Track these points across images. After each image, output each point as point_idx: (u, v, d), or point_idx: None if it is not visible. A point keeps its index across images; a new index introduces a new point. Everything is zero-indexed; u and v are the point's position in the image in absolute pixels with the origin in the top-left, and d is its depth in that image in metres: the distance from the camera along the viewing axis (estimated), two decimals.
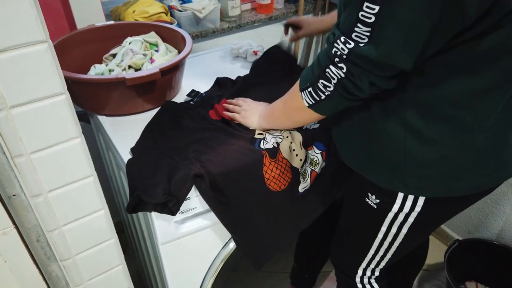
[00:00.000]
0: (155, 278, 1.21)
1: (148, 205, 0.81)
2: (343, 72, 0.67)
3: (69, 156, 0.64)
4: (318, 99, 0.75)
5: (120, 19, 1.42)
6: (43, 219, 0.66)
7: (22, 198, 0.61)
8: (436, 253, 1.66)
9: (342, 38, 0.65)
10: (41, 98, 0.58)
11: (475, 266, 1.55)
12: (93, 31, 1.18)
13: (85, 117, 1.22)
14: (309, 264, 1.47)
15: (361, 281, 1.05)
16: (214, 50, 1.45)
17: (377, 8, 0.59)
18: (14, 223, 0.64)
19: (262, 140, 0.94)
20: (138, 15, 1.39)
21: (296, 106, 0.81)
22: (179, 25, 1.56)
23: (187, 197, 0.84)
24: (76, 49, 1.14)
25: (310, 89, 0.75)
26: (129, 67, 1.11)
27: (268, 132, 0.97)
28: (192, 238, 0.96)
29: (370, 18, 0.60)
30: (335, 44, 0.66)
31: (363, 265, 1.01)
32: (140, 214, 1.02)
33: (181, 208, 0.85)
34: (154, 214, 0.87)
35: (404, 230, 0.87)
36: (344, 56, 0.65)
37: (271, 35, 1.93)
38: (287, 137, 0.95)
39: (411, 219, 0.84)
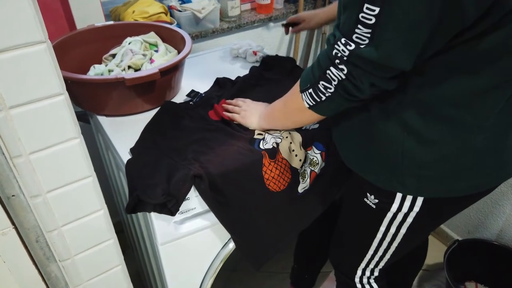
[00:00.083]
0: (155, 278, 1.21)
1: (147, 205, 0.81)
2: (344, 74, 0.67)
3: (68, 156, 0.64)
4: (318, 100, 0.74)
5: (120, 19, 1.42)
6: (42, 220, 0.66)
7: (21, 198, 0.61)
8: (435, 253, 1.66)
9: (343, 40, 0.65)
10: (40, 99, 0.58)
11: (474, 266, 1.55)
12: (93, 31, 1.18)
13: (84, 118, 1.22)
14: (308, 264, 1.47)
15: (361, 281, 1.05)
16: (214, 50, 1.45)
17: (377, 9, 0.59)
18: (13, 223, 0.64)
19: (262, 141, 0.94)
20: (138, 15, 1.39)
21: (296, 107, 0.81)
22: (178, 25, 1.56)
23: (186, 197, 0.84)
24: (75, 49, 1.14)
25: (310, 90, 0.75)
26: (129, 67, 1.11)
27: (268, 133, 0.97)
28: (192, 238, 0.96)
29: (370, 19, 0.60)
30: (336, 46, 0.66)
31: (362, 265, 1.01)
32: (140, 214, 1.02)
33: (181, 209, 0.85)
34: (153, 215, 0.87)
35: (403, 230, 0.87)
36: (345, 58, 0.65)
37: (271, 35, 1.93)
38: (287, 137, 0.95)
39: (409, 219, 0.84)
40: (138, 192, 0.80)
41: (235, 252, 1.04)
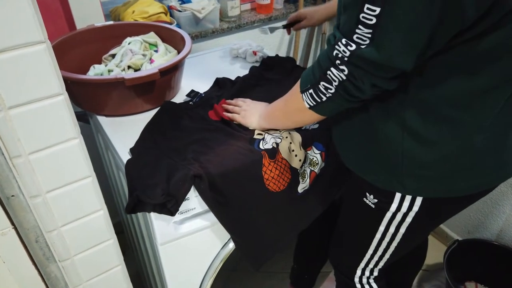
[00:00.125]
0: (155, 278, 1.21)
1: (147, 205, 0.81)
2: (345, 74, 0.67)
3: (67, 156, 0.64)
4: (319, 100, 0.74)
5: (120, 19, 1.42)
6: (41, 220, 0.66)
7: (21, 198, 0.61)
8: (435, 253, 1.66)
9: (343, 40, 0.64)
10: (40, 99, 0.58)
11: (474, 266, 1.55)
12: (93, 31, 1.18)
13: (84, 118, 1.22)
14: (308, 265, 1.47)
15: (360, 281, 1.05)
16: (214, 50, 1.45)
17: (378, 9, 0.58)
18: (12, 223, 0.64)
19: (261, 141, 0.94)
20: (138, 15, 1.38)
21: (296, 107, 0.81)
22: (178, 25, 1.55)
23: (186, 197, 0.84)
24: (75, 49, 1.14)
25: (311, 90, 0.75)
26: (129, 67, 1.11)
27: (268, 133, 0.97)
28: (191, 238, 0.96)
29: (371, 19, 0.60)
30: (336, 47, 0.66)
31: (362, 265, 1.01)
32: (139, 214, 1.02)
33: (180, 209, 0.85)
34: (153, 215, 0.87)
35: (402, 230, 0.87)
36: (346, 59, 0.65)
37: (271, 35, 1.93)
38: (286, 137, 0.95)
39: (409, 219, 0.84)
40: (138, 192, 0.80)
41: (234, 252, 1.04)
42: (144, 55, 1.14)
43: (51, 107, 0.59)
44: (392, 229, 0.88)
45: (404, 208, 0.82)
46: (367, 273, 1.04)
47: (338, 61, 0.66)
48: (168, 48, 1.20)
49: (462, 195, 0.79)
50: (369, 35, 0.61)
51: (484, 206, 1.58)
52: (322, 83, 0.71)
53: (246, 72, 1.24)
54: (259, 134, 0.97)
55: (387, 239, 0.91)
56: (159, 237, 0.91)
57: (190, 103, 1.08)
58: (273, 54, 1.31)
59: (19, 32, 0.52)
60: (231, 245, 1.03)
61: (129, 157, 0.90)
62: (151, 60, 1.13)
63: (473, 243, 1.53)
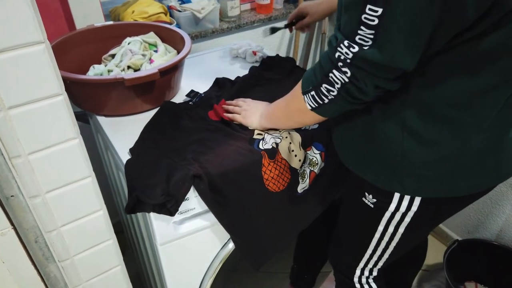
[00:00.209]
0: (154, 279, 1.21)
1: (146, 205, 0.81)
2: (347, 77, 0.66)
3: (67, 157, 0.64)
4: (321, 102, 0.74)
5: (119, 19, 1.42)
6: (41, 220, 0.66)
7: (20, 199, 0.61)
8: (435, 253, 1.66)
9: (346, 42, 0.64)
10: (39, 99, 0.58)
11: (474, 266, 1.55)
12: (92, 31, 1.18)
13: (84, 118, 1.22)
14: (308, 265, 1.47)
15: (359, 281, 1.05)
16: (213, 51, 1.45)
17: (380, 10, 0.58)
18: (12, 223, 0.64)
19: (261, 141, 0.94)
20: (137, 15, 1.38)
21: (298, 108, 0.81)
22: (178, 26, 1.55)
23: (185, 197, 0.84)
24: (75, 49, 1.14)
25: (312, 92, 0.74)
26: (128, 67, 1.11)
27: (267, 133, 0.97)
28: (191, 238, 0.96)
29: (373, 20, 0.59)
30: (339, 49, 0.65)
31: (361, 265, 1.01)
32: (139, 214, 1.02)
33: (180, 209, 0.85)
34: (152, 215, 0.87)
35: (401, 230, 0.87)
36: (348, 61, 0.65)
37: (271, 35, 1.93)
38: (286, 137, 0.95)
39: (408, 219, 0.84)
40: (137, 192, 0.80)
41: (234, 252, 1.04)
42: (143, 55, 1.14)
43: (51, 107, 0.59)
44: (391, 229, 0.88)
45: (403, 208, 0.82)
46: (366, 273, 1.04)
47: (340, 63, 0.66)
48: (167, 48, 1.20)
49: (462, 195, 0.79)
50: (371, 36, 0.61)
51: (484, 206, 1.58)
52: (324, 85, 0.71)
53: (246, 72, 1.24)
54: (258, 134, 0.97)
55: (386, 239, 0.91)
56: (158, 237, 0.91)
57: (190, 103, 1.08)
58: (273, 54, 1.31)
59: (18, 32, 0.52)
60: (231, 245, 1.03)
61: (128, 157, 0.90)
62: (150, 60, 1.13)
63: (473, 243, 1.53)
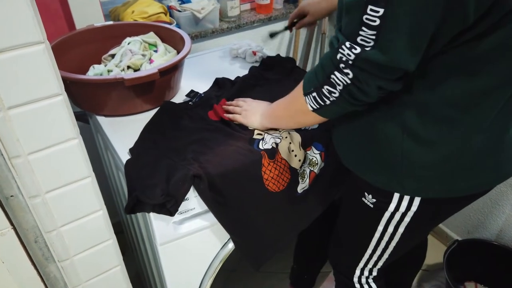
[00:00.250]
0: (154, 279, 1.21)
1: (146, 205, 0.80)
2: (349, 78, 0.66)
3: (66, 157, 0.64)
4: (322, 104, 0.74)
5: (119, 19, 1.42)
6: (41, 220, 0.66)
7: (20, 199, 0.61)
8: (435, 253, 1.66)
9: (347, 44, 0.64)
10: (39, 99, 0.58)
11: (474, 266, 1.55)
12: (92, 31, 1.18)
13: (84, 118, 1.22)
14: (308, 265, 1.47)
15: (359, 281, 1.05)
16: (213, 51, 1.45)
17: (381, 10, 0.58)
18: (11, 224, 0.64)
19: (261, 141, 0.94)
20: (137, 15, 1.38)
21: (299, 109, 0.81)
22: (178, 26, 1.55)
23: (185, 197, 0.84)
24: (75, 49, 1.14)
25: (314, 94, 0.74)
26: (128, 67, 1.11)
27: (267, 133, 0.97)
28: (191, 238, 0.96)
29: (375, 21, 0.59)
30: (340, 50, 0.65)
31: (361, 265, 1.01)
32: (139, 214, 1.02)
33: (180, 209, 0.85)
34: (152, 215, 0.87)
35: (401, 230, 0.87)
36: (350, 62, 0.64)
37: (271, 40, 1.93)
38: (286, 137, 0.95)
39: (407, 219, 0.84)
40: (137, 192, 0.80)
41: (234, 252, 1.04)
42: (143, 55, 1.14)
43: (50, 108, 0.59)
44: (390, 229, 0.88)
45: (402, 208, 0.82)
46: (366, 273, 1.04)
47: (342, 65, 0.66)
48: (167, 48, 1.20)
49: (462, 195, 0.79)
50: (373, 37, 0.61)
51: (484, 206, 1.58)
52: (325, 87, 0.71)
53: (246, 72, 1.24)
54: (258, 134, 0.97)
55: (385, 238, 0.91)
56: (158, 237, 0.91)
57: (190, 103, 1.08)
58: (273, 54, 1.31)
59: (18, 33, 0.52)
60: (231, 245, 1.03)
61: (128, 157, 0.90)
62: (150, 60, 1.13)
63: (473, 243, 1.53)
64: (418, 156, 0.75)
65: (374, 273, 1.04)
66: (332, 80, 0.69)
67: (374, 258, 0.97)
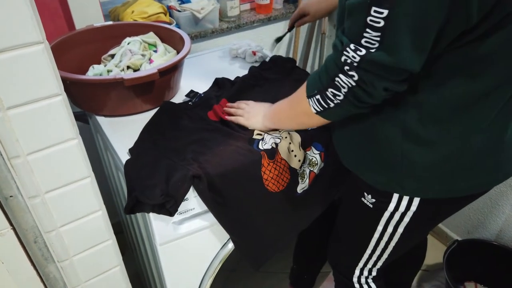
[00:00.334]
0: (154, 279, 1.21)
1: (146, 206, 0.80)
2: (354, 80, 0.66)
3: (66, 157, 0.64)
4: (326, 106, 0.73)
5: (119, 19, 1.42)
6: (40, 220, 0.66)
7: (19, 199, 0.61)
8: (435, 253, 1.66)
9: (352, 46, 0.63)
10: (38, 99, 0.57)
11: (474, 266, 1.55)
12: (92, 31, 1.18)
13: (83, 118, 1.22)
14: (308, 265, 1.47)
15: (359, 281, 1.05)
16: (213, 51, 1.45)
17: (385, 12, 0.58)
18: (11, 224, 0.64)
19: (261, 141, 0.94)
20: (137, 15, 1.38)
21: (302, 111, 0.81)
22: (178, 26, 1.55)
23: (185, 198, 0.84)
24: (74, 49, 1.14)
25: (318, 96, 0.74)
26: (128, 67, 1.11)
27: (267, 133, 0.96)
28: (191, 238, 0.96)
29: (379, 22, 0.59)
30: (345, 52, 0.65)
31: (360, 265, 1.01)
32: (139, 215, 1.02)
33: (179, 209, 0.85)
34: (152, 215, 0.87)
35: (400, 230, 0.87)
36: (355, 64, 0.64)
37: (270, 36, 1.93)
38: (286, 137, 0.95)
39: (407, 219, 0.84)
40: (137, 192, 0.80)
41: (234, 252, 1.04)
42: (143, 55, 1.14)
43: (50, 108, 0.59)
44: (390, 229, 0.88)
45: (402, 208, 0.82)
46: (365, 273, 1.04)
47: (347, 67, 0.65)
48: (167, 48, 1.20)
49: (462, 195, 0.79)
50: (378, 38, 0.61)
51: (484, 206, 1.58)
52: (330, 89, 0.70)
53: (246, 72, 1.23)
54: (258, 134, 0.97)
55: (385, 238, 0.91)
56: (158, 238, 0.91)
57: (190, 103, 1.08)
58: (272, 54, 1.31)
59: (17, 33, 0.52)
60: (230, 245, 1.03)
61: (128, 157, 0.90)
62: (150, 60, 1.13)
63: (473, 243, 1.53)
64: (418, 156, 0.75)
65: (374, 273, 1.04)
66: (336, 82, 0.68)
67: (374, 258, 0.97)
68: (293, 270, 1.51)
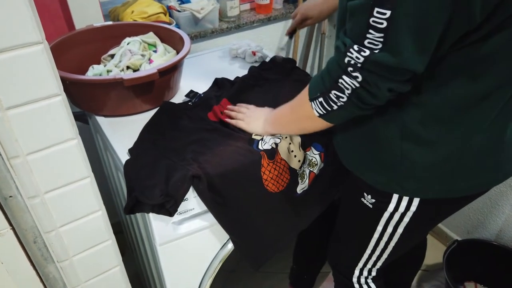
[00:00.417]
0: (154, 279, 1.21)
1: (145, 206, 0.80)
2: (358, 82, 0.66)
3: (65, 157, 0.64)
4: (329, 109, 0.73)
5: (119, 19, 1.42)
6: (40, 220, 0.66)
7: (19, 199, 0.61)
8: (435, 253, 1.66)
9: (356, 47, 0.63)
10: (37, 100, 0.57)
11: (474, 266, 1.55)
12: (92, 31, 1.18)
13: (83, 118, 1.22)
14: (308, 265, 1.47)
15: (358, 281, 1.05)
16: (213, 51, 1.45)
17: (388, 12, 0.58)
18: (10, 224, 0.64)
19: (260, 141, 0.94)
20: (137, 15, 1.38)
21: (305, 115, 0.80)
22: (178, 26, 1.55)
23: (184, 198, 0.84)
24: (74, 49, 1.14)
25: (321, 99, 0.73)
26: (127, 67, 1.11)
27: None
28: (190, 239, 0.96)
29: (381, 23, 0.59)
30: (348, 53, 0.64)
31: (360, 265, 1.01)
32: (138, 215, 1.02)
33: (179, 209, 0.85)
34: (152, 215, 0.87)
35: (400, 230, 0.87)
36: (359, 65, 0.64)
37: (270, 36, 1.93)
38: (286, 138, 0.95)
39: (406, 219, 0.84)
40: (136, 192, 0.80)
41: (234, 252, 1.04)
42: (143, 55, 1.14)
43: (49, 108, 0.59)
44: (390, 229, 0.88)
45: (402, 208, 0.82)
46: (365, 273, 1.04)
47: (350, 68, 0.65)
48: (167, 48, 1.20)
49: (462, 195, 0.79)
50: (381, 39, 0.60)
51: (484, 206, 1.58)
52: (333, 91, 0.70)
53: (245, 72, 1.23)
54: (258, 134, 0.97)
55: (385, 239, 0.91)
56: (158, 238, 0.91)
57: (189, 103, 1.08)
58: (272, 54, 1.31)
59: (16, 33, 0.52)
60: (230, 245, 1.03)
61: (127, 157, 0.90)
62: (150, 60, 1.13)
63: (473, 243, 1.53)
64: (418, 156, 0.75)
65: (373, 273, 1.04)
66: (340, 84, 0.68)
67: (373, 258, 0.97)
68: (293, 270, 1.51)
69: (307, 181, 1.00)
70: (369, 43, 0.62)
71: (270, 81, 1.19)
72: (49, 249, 0.70)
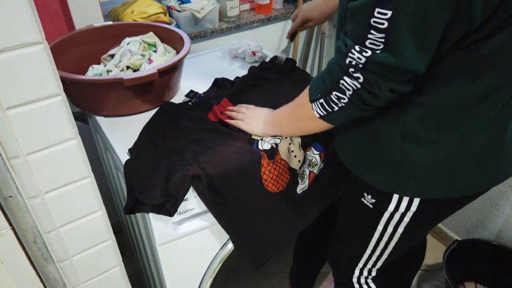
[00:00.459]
0: (154, 279, 1.21)
1: (145, 206, 0.80)
2: (359, 82, 0.65)
3: (65, 157, 0.64)
4: (330, 110, 0.73)
5: (119, 19, 1.42)
6: (39, 220, 0.66)
7: (19, 199, 0.61)
8: (435, 253, 1.66)
9: (357, 47, 0.63)
10: (37, 100, 0.57)
11: (474, 266, 1.55)
12: (92, 31, 1.18)
13: (83, 118, 1.22)
14: (308, 265, 1.47)
15: (358, 281, 1.05)
16: (213, 51, 1.45)
17: (389, 13, 0.58)
18: (10, 224, 0.64)
19: (260, 141, 0.94)
20: (137, 15, 1.38)
21: (305, 116, 0.80)
22: (177, 26, 1.55)
23: (184, 198, 0.84)
24: (74, 49, 1.14)
25: (321, 100, 0.73)
26: (127, 67, 1.11)
27: None
28: (190, 239, 0.96)
29: (383, 24, 0.59)
30: (350, 54, 0.64)
31: (360, 265, 1.01)
32: (138, 215, 1.02)
33: (179, 209, 0.85)
34: (151, 215, 0.87)
35: (400, 230, 0.87)
36: (361, 65, 0.64)
37: (270, 36, 1.93)
38: (286, 138, 0.95)
39: (407, 219, 0.84)
40: (136, 192, 0.80)
41: (234, 252, 1.04)
42: (143, 55, 1.14)
43: (49, 108, 0.59)
44: (390, 229, 0.88)
45: (402, 208, 0.82)
46: (365, 273, 1.04)
47: (352, 69, 0.65)
48: (167, 48, 1.20)
49: (462, 195, 0.79)
50: (382, 40, 0.60)
51: (484, 206, 1.58)
52: (334, 93, 0.70)
53: (245, 72, 1.23)
54: (257, 135, 0.97)
55: (385, 239, 0.91)
56: (157, 238, 0.91)
57: (189, 103, 1.08)
58: (272, 54, 1.31)
59: (16, 33, 0.52)
60: (230, 245, 1.03)
61: (127, 157, 0.90)
62: (150, 60, 1.13)
63: (473, 243, 1.53)
64: (418, 156, 0.75)
65: (373, 273, 1.04)
66: (341, 85, 0.68)
67: (373, 258, 0.97)
68: (293, 270, 1.51)
69: (307, 181, 1.00)
70: (370, 43, 0.62)
71: (270, 81, 1.19)
72: (49, 249, 0.70)
